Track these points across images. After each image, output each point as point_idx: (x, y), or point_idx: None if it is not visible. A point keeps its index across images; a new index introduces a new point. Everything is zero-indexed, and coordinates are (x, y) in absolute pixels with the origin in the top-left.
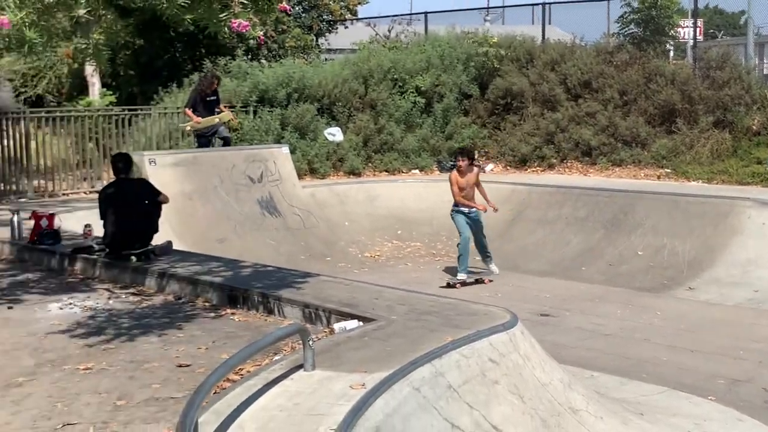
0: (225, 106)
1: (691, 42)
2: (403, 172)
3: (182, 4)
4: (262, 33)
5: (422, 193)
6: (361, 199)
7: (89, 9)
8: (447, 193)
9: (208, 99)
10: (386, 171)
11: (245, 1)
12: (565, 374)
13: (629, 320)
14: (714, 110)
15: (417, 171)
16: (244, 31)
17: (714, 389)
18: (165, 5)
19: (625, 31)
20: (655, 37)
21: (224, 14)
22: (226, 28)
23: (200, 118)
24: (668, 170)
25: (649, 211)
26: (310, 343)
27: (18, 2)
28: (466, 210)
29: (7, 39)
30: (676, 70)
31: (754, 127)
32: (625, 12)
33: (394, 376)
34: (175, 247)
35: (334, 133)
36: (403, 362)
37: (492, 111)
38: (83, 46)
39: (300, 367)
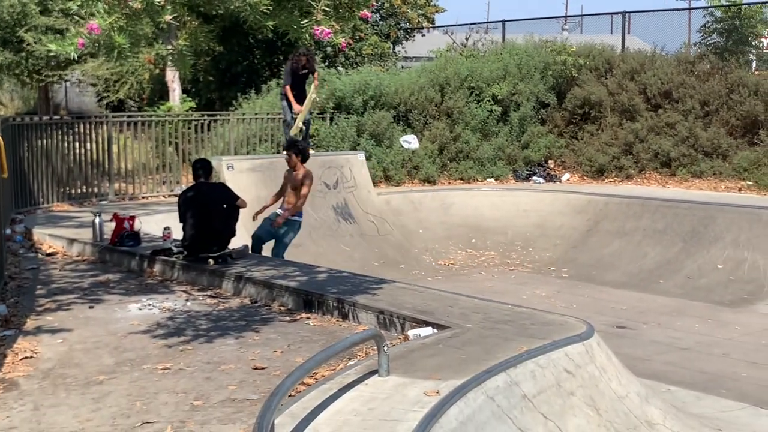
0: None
1: None
2: (478, 181)
3: (264, 11)
4: (344, 40)
5: (497, 202)
6: (436, 207)
7: (175, 15)
8: (523, 202)
9: (300, 73)
10: (461, 179)
11: (327, 9)
12: (642, 387)
13: (707, 334)
14: None
15: (492, 180)
16: (326, 38)
17: None
18: (248, 12)
19: (708, 41)
20: (738, 47)
21: (306, 21)
22: (307, 35)
23: (299, 106)
24: (750, 183)
25: (730, 224)
26: (385, 348)
27: (107, 8)
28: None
29: (96, 43)
30: (759, 81)
31: None
32: (708, 21)
33: (469, 383)
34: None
35: (410, 141)
36: (477, 370)
37: (569, 120)
38: (167, 52)
39: (374, 372)
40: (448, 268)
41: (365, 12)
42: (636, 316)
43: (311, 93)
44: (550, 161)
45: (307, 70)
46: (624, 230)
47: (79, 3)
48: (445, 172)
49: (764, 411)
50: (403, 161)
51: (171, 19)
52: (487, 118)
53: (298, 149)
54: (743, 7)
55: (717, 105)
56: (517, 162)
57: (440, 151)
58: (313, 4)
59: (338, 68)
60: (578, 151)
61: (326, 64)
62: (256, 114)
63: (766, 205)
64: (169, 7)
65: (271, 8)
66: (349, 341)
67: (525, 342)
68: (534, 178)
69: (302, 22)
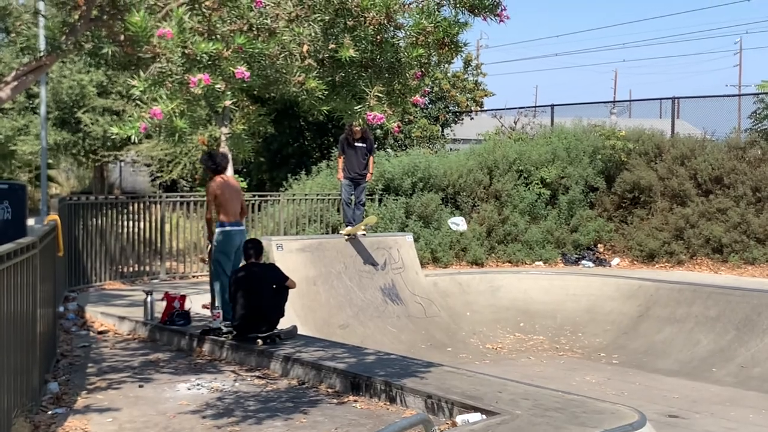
0: (372, 168)
1: None
2: (526, 264)
3: (320, 96)
4: (396, 124)
5: (546, 286)
6: (484, 290)
7: (234, 101)
8: (572, 286)
9: (356, 145)
10: (509, 262)
11: (380, 95)
12: None
13: (762, 425)
14: None
15: (541, 263)
16: (379, 122)
17: None
18: (304, 97)
19: (758, 127)
20: None
21: (360, 107)
22: (361, 120)
23: (341, 174)
24: None
25: None
26: None
27: (169, 94)
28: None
29: (158, 128)
30: None
31: None
32: (758, 108)
33: None
34: (298, 331)
35: (458, 223)
36: None
37: (619, 204)
38: (224, 136)
39: None
40: (496, 352)
41: (417, 98)
42: (688, 406)
43: (366, 220)
44: (599, 245)
45: (362, 144)
46: (675, 317)
47: (142, 89)
48: (493, 255)
49: None
50: (451, 243)
51: (230, 104)
52: (536, 201)
53: (210, 163)
54: None
55: None
56: (566, 245)
57: (488, 233)
58: (367, 90)
59: (387, 150)
60: (628, 236)
61: (376, 146)
62: (305, 195)
63: None
64: (228, 93)
65: (326, 94)
66: (398, 426)
67: (576, 431)
68: (583, 262)
69: (356, 108)
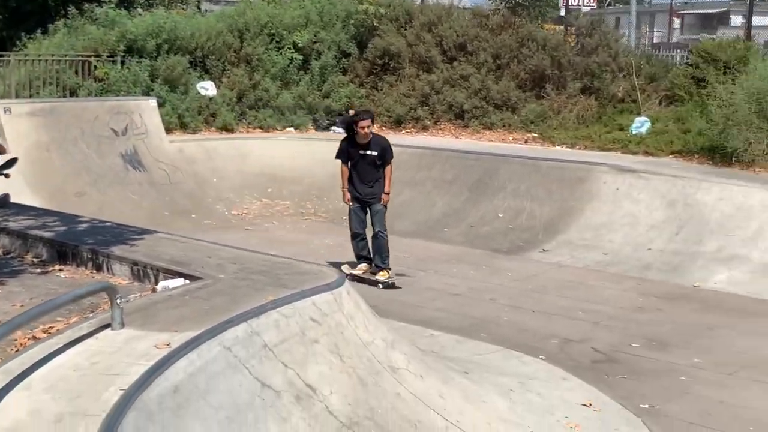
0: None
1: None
2: (277, 130)
3: None
4: None
5: (296, 152)
6: (232, 156)
7: None
8: (320, 152)
9: (362, 152)
10: (260, 128)
11: None
12: (390, 334)
13: (480, 281)
14: (582, 77)
15: (292, 129)
16: None
17: (547, 349)
18: None
19: None
20: (530, 2)
21: None
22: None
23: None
24: (535, 134)
25: (512, 174)
26: (118, 301)
27: None
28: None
29: None
30: (547, 36)
31: (619, 94)
32: None
33: (204, 335)
34: (28, 200)
35: (207, 87)
36: (218, 321)
37: (370, 71)
38: None
39: (109, 326)
40: (241, 218)
41: None
42: (416, 264)
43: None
44: (351, 111)
45: (372, 152)
46: (415, 180)
47: None
48: (244, 121)
49: (516, 353)
50: (199, 108)
51: None
52: (288, 66)
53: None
54: None
55: (508, 59)
56: (318, 111)
57: (239, 98)
58: None
59: (137, 9)
60: (378, 102)
61: (124, 5)
62: (39, 55)
63: (546, 157)
64: None
65: None
66: (72, 295)
67: (276, 292)
68: (334, 127)
69: None
